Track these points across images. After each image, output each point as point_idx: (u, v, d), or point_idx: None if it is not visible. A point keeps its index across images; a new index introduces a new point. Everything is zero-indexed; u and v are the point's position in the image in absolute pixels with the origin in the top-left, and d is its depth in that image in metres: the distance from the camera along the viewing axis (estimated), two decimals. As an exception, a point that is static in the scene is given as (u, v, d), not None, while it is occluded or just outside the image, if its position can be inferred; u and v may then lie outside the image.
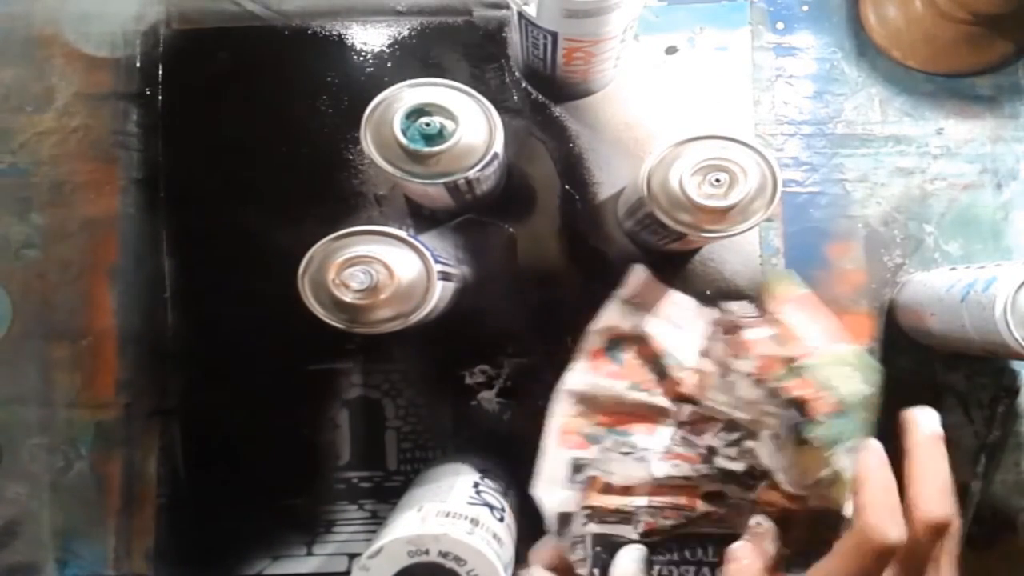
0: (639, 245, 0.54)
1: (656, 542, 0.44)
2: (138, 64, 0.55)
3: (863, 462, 0.40)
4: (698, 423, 0.45)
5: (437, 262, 0.42)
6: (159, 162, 0.55)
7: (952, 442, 0.53)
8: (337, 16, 0.56)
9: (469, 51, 0.55)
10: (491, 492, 0.45)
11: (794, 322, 0.45)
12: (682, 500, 0.44)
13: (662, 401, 0.46)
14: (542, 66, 0.50)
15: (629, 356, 0.48)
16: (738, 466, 0.43)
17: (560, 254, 0.54)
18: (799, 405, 0.41)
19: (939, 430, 0.42)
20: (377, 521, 0.53)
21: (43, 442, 0.54)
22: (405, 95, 0.43)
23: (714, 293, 0.54)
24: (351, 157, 0.55)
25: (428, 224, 0.54)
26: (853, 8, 0.56)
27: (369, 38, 0.55)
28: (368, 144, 0.43)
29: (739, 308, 0.48)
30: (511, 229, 0.54)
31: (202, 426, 0.54)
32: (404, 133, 0.42)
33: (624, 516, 0.44)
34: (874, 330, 0.54)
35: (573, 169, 0.55)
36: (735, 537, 0.42)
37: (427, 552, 0.37)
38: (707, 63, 0.55)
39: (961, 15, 0.51)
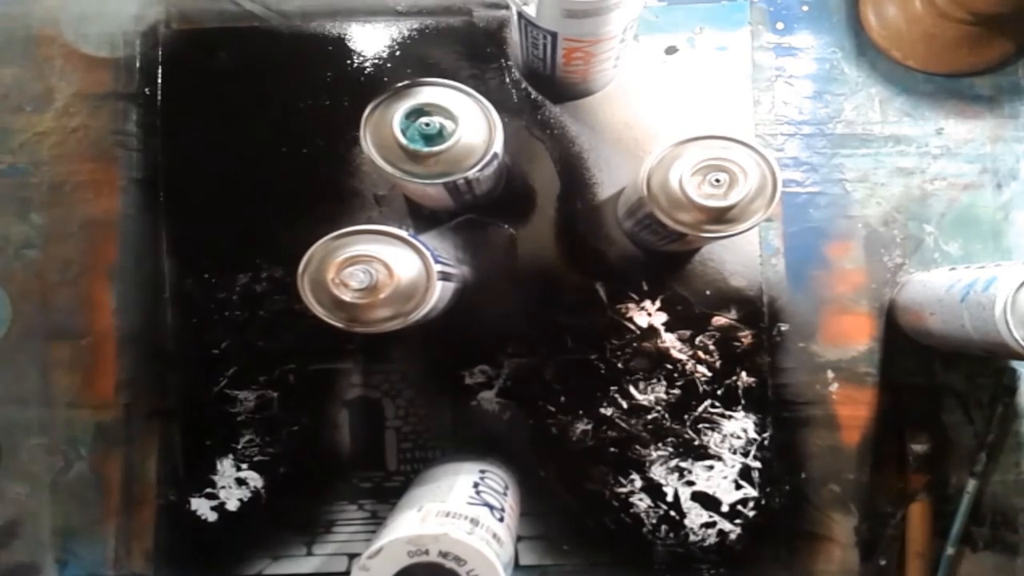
0: (639, 245, 0.54)
1: None
2: (138, 64, 0.55)
3: None
4: None
5: (437, 262, 0.42)
6: (159, 162, 0.55)
7: (952, 442, 0.53)
8: (337, 16, 0.56)
9: (469, 51, 0.55)
10: (491, 492, 0.45)
11: None
12: None
13: None
14: (542, 66, 0.50)
15: None
16: None
17: (560, 254, 0.54)
18: None
19: None
20: (377, 521, 0.53)
21: (43, 442, 0.54)
22: (405, 95, 0.43)
23: (714, 293, 0.54)
24: (351, 157, 0.55)
25: (428, 224, 0.54)
26: (853, 8, 0.56)
27: (369, 38, 0.55)
28: (368, 144, 0.43)
29: None
30: (511, 229, 0.54)
31: (202, 426, 0.54)
32: (404, 133, 0.42)
33: None
34: (874, 330, 0.54)
35: (573, 169, 0.55)
36: None
37: (427, 552, 0.37)
38: (707, 63, 0.55)
39: (961, 15, 0.50)
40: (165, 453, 0.54)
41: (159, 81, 0.55)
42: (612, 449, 0.53)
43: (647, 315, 0.54)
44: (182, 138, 0.55)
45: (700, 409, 0.54)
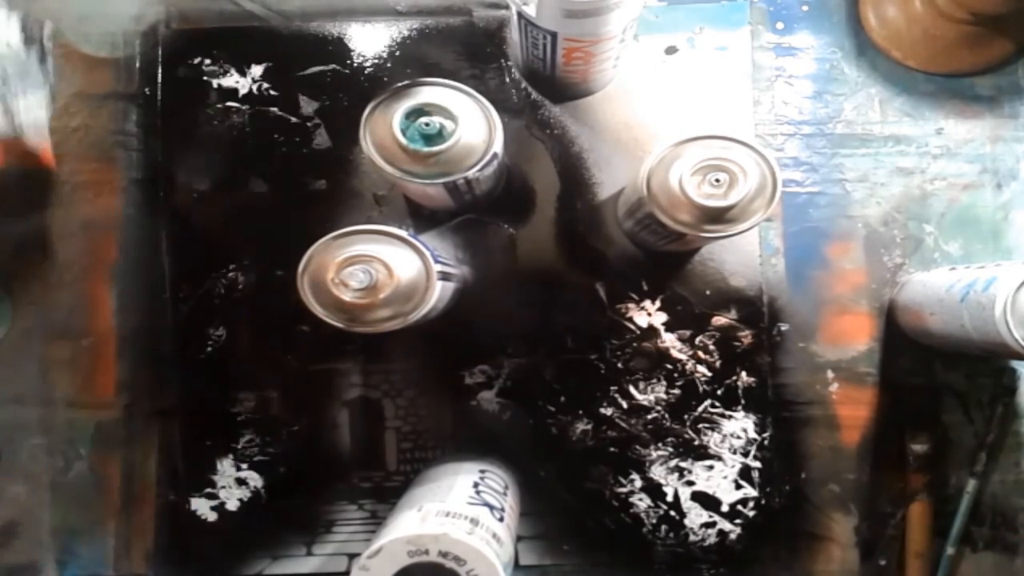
0: (639, 245, 0.54)
1: None
2: (138, 64, 0.55)
3: None
4: None
5: (437, 262, 0.42)
6: (159, 162, 0.55)
7: (952, 442, 0.53)
8: (337, 16, 0.56)
9: (469, 51, 0.55)
10: (491, 492, 0.45)
11: None
12: None
13: None
14: (542, 66, 0.50)
15: None
16: None
17: (560, 254, 0.54)
18: None
19: None
20: (377, 521, 0.53)
21: (43, 442, 0.54)
22: (405, 95, 0.43)
23: (714, 293, 0.54)
24: (351, 157, 0.55)
25: (428, 224, 0.54)
26: (853, 8, 0.56)
27: (369, 38, 0.55)
28: (367, 144, 0.43)
29: None
30: (511, 229, 0.54)
31: (202, 426, 0.54)
32: (404, 133, 0.42)
33: None
34: (874, 330, 0.54)
35: (573, 169, 0.55)
36: None
37: (427, 552, 0.37)
38: (707, 63, 0.55)
39: (961, 15, 0.50)
40: (165, 453, 0.54)
41: (159, 81, 0.55)
42: (612, 449, 0.53)
43: (647, 315, 0.54)
44: (182, 138, 0.55)
45: (700, 409, 0.54)
